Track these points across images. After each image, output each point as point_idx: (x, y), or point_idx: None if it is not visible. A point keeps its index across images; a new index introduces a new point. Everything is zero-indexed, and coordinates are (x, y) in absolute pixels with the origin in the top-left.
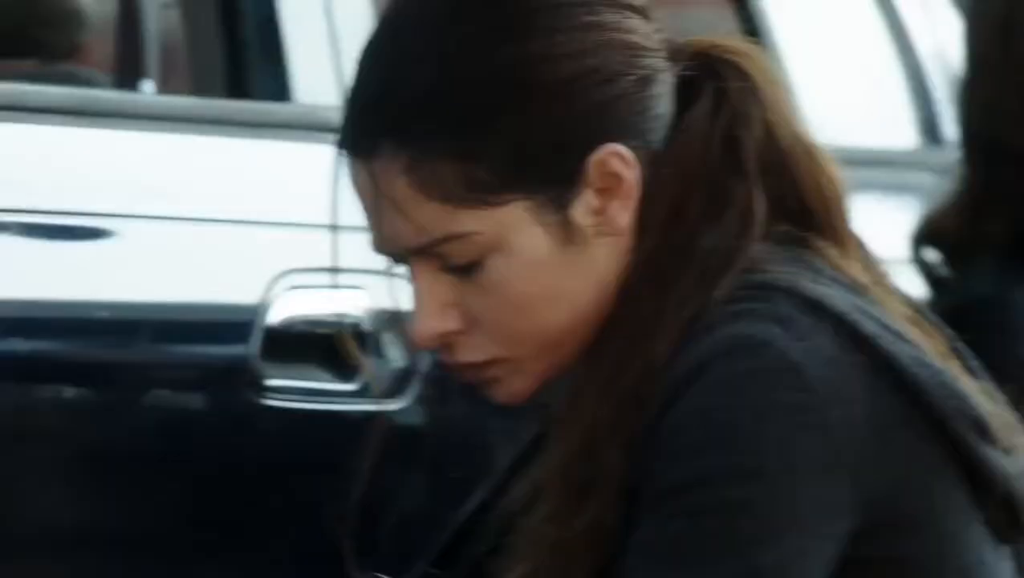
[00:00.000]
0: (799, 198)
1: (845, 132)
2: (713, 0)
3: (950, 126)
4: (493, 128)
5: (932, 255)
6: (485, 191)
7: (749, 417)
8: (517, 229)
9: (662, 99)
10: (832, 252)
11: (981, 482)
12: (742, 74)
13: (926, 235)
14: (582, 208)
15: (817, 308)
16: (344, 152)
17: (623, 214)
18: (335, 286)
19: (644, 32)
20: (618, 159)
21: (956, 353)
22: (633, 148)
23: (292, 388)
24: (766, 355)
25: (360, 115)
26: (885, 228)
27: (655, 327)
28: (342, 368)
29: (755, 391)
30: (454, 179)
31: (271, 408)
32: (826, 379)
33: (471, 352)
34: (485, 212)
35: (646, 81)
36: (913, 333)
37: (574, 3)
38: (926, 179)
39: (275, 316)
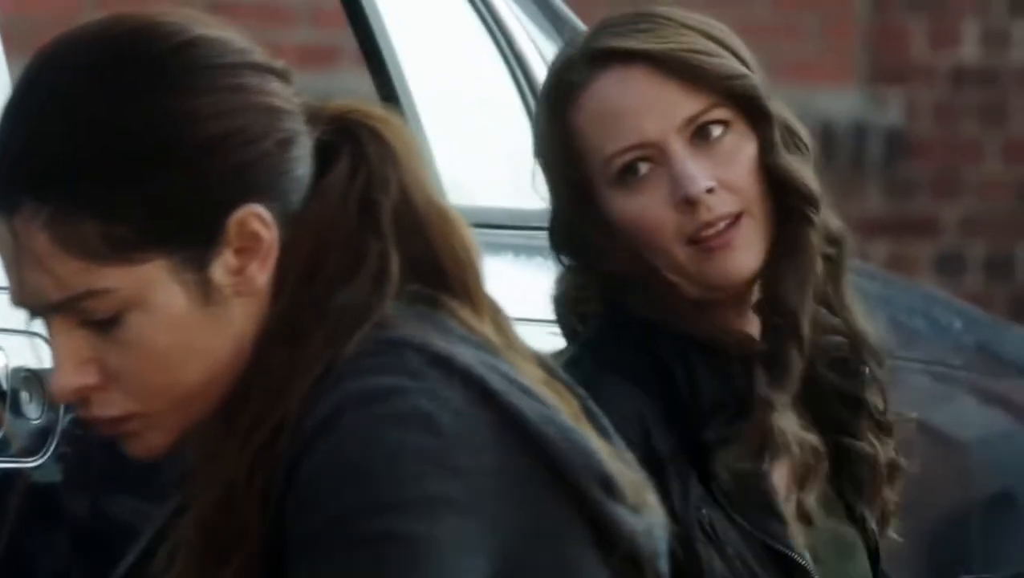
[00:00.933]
0: (433, 260)
1: (482, 193)
2: (359, 65)
3: None
4: (134, 187)
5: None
6: (126, 248)
7: (382, 458)
8: (157, 287)
9: (301, 161)
10: (464, 313)
11: (607, 538)
12: (379, 139)
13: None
14: (221, 268)
15: (446, 363)
16: None
17: (261, 274)
18: None
19: (284, 95)
20: (257, 220)
21: (588, 414)
22: (272, 209)
23: None
24: (396, 403)
25: (1, 171)
26: (521, 288)
27: (287, 384)
28: None
29: (387, 435)
30: (95, 236)
31: None
32: (456, 427)
33: (108, 407)
34: (126, 269)
35: (286, 143)
36: (544, 393)
37: (218, 65)
38: None
39: None
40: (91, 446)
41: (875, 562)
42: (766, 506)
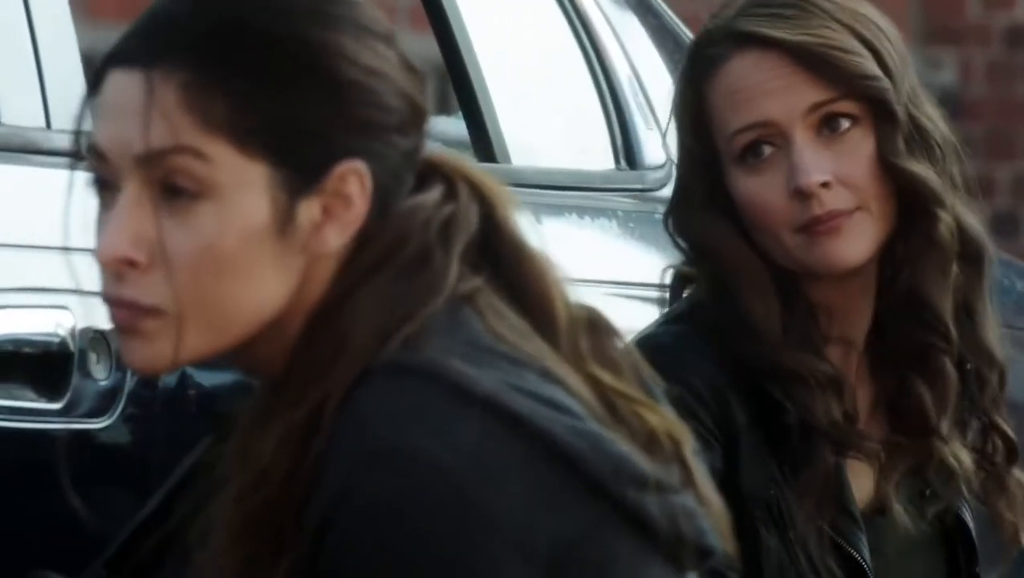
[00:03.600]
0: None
1: (544, 154)
2: (418, 26)
3: (646, 150)
4: (275, 91)
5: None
6: (243, 134)
7: (411, 540)
8: (247, 187)
9: (409, 164)
10: (492, 314)
11: (650, 528)
12: (472, 184)
13: None
14: (306, 211)
15: (461, 394)
16: (117, 64)
17: (336, 238)
18: (41, 306)
19: (422, 99)
20: (357, 180)
21: (643, 385)
22: (375, 178)
23: None
24: (413, 469)
25: (157, 30)
26: (582, 249)
27: (330, 367)
28: (48, 387)
29: (414, 517)
30: (221, 113)
31: None
32: (477, 472)
33: (139, 291)
34: (233, 152)
35: (406, 132)
36: (580, 392)
37: (380, 35)
38: (622, 201)
39: None
40: (157, 407)
41: (964, 558)
42: (837, 498)
